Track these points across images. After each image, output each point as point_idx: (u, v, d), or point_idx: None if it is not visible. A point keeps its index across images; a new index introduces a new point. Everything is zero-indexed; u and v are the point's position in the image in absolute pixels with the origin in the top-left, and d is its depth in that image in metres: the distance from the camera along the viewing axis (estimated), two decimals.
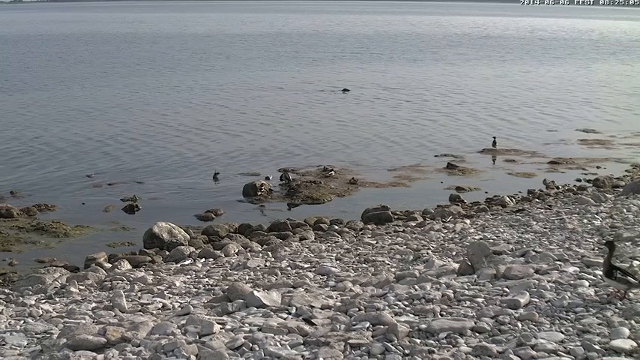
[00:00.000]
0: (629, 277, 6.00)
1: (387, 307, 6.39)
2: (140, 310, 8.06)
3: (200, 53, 56.27)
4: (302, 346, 5.55)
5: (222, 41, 70.36)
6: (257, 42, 68.89)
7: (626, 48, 66.24)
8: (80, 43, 67.46)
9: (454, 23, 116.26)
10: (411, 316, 6.10)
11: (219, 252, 11.86)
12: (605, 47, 67.06)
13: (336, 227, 13.68)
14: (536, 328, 5.55)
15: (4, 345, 6.64)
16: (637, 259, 7.54)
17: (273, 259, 10.97)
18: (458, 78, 40.72)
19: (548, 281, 6.74)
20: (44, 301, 9.11)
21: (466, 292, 6.68)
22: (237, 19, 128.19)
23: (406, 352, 5.23)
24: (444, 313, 6.08)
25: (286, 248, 11.84)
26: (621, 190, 15.16)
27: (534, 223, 11.72)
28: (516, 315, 5.83)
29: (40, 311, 8.33)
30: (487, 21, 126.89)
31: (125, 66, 45.87)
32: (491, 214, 14.02)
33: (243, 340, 5.66)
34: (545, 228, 11.05)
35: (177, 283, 9.53)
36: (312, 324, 6.14)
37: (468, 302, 6.34)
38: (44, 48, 61.22)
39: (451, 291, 6.74)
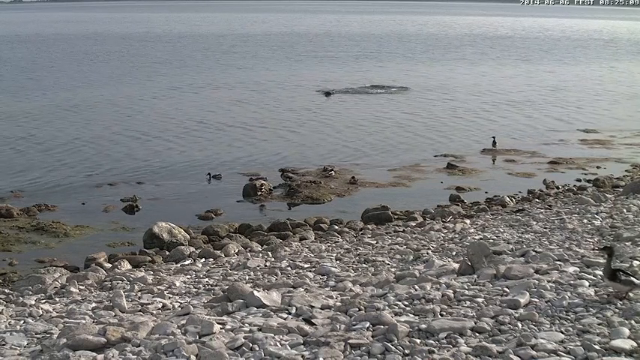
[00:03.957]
0: (632, 278, 6.01)
1: (387, 307, 6.39)
2: (140, 310, 8.06)
3: (219, 53, 56.09)
4: (302, 346, 5.55)
5: (234, 41, 70.11)
6: (268, 42, 68.65)
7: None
8: (93, 42, 67.33)
9: (460, 23, 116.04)
10: (411, 316, 6.10)
11: (219, 252, 11.85)
12: (619, 47, 66.79)
13: (336, 227, 13.67)
14: (536, 328, 5.55)
15: (4, 345, 6.64)
16: (637, 259, 7.54)
17: (273, 259, 10.96)
18: (461, 78, 40.65)
19: (548, 281, 6.75)
20: (44, 301, 9.10)
21: (466, 292, 6.68)
22: (242, 19, 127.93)
23: (406, 352, 5.24)
24: (444, 313, 6.08)
25: (286, 248, 11.83)
26: (621, 190, 15.15)
27: (534, 223, 11.71)
28: (516, 315, 5.83)
29: (40, 311, 8.32)
30: (493, 21, 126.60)
31: (136, 66, 45.84)
32: (491, 214, 14.01)
33: (243, 340, 5.66)
34: (545, 228, 11.04)
35: (177, 283, 9.53)
36: (312, 324, 6.14)
37: (468, 302, 6.34)
38: (59, 48, 61.07)
39: (451, 291, 6.74)
